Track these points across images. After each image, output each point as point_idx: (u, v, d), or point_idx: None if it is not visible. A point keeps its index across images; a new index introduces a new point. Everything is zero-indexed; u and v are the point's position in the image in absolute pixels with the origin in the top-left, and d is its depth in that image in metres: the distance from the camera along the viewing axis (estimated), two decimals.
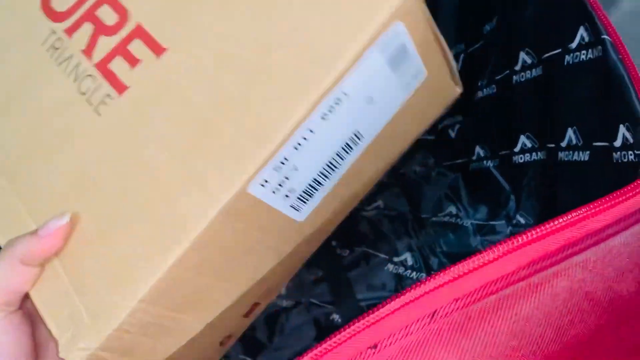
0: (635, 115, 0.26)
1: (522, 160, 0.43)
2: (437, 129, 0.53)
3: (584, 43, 0.32)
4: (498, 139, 0.46)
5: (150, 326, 0.27)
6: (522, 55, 0.40)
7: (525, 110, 0.41)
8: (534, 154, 0.41)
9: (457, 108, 0.52)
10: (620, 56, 0.28)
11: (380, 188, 0.54)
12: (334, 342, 0.22)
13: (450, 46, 0.51)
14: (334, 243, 0.51)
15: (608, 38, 0.29)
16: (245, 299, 0.34)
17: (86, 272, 0.27)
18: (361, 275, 0.49)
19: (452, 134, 0.52)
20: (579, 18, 0.31)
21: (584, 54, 0.32)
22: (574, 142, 0.34)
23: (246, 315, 0.38)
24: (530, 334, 0.23)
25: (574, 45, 0.33)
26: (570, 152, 0.35)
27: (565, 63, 0.34)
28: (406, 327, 0.22)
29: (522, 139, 0.42)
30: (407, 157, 0.56)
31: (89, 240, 0.28)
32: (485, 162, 0.47)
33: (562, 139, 0.35)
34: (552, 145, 0.37)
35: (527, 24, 0.39)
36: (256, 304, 0.38)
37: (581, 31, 0.32)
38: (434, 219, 0.51)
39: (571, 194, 0.35)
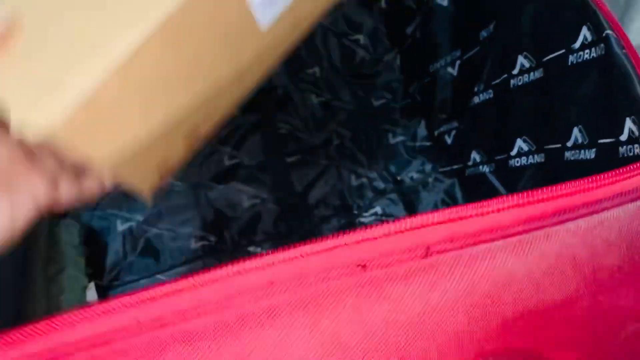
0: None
1: (518, 164, 0.43)
2: (433, 135, 0.54)
3: (587, 42, 0.32)
4: (494, 144, 0.46)
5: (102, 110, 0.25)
6: (521, 59, 0.41)
7: (523, 113, 0.41)
8: (530, 157, 0.41)
9: (453, 114, 0.53)
10: (625, 50, 0.29)
11: (377, 194, 0.54)
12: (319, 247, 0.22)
13: (446, 53, 0.52)
14: None
15: (611, 33, 0.29)
16: (189, 112, 0.31)
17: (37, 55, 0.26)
18: None
19: (449, 140, 0.53)
20: (582, 18, 0.32)
21: (587, 53, 0.32)
22: (580, 140, 0.35)
23: (187, 139, 0.34)
24: (511, 286, 0.23)
25: (577, 45, 0.33)
26: (577, 151, 0.36)
27: (570, 63, 0.35)
28: (400, 252, 0.22)
29: (519, 142, 0.43)
30: (405, 164, 0.56)
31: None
32: (481, 167, 0.48)
33: (569, 139, 0.36)
34: (558, 146, 0.38)
35: (525, 28, 0.39)
36: (197, 130, 0.34)
37: (584, 31, 0.33)
38: None
39: None
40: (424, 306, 0.24)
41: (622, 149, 0.29)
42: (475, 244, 0.24)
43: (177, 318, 0.22)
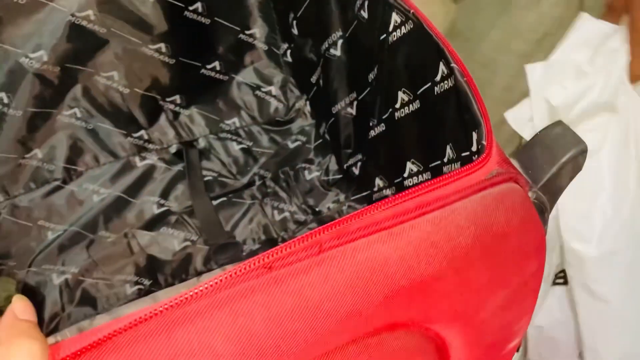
0: (478, 121, 0.34)
1: (411, 183, 0.50)
2: (343, 169, 0.60)
3: (444, 74, 0.40)
4: (391, 169, 0.53)
5: None
6: (400, 95, 0.48)
7: (409, 139, 0.48)
8: (420, 175, 0.48)
9: (357, 148, 0.59)
10: (465, 78, 0.36)
11: (299, 225, 0.59)
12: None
13: (345, 95, 0.59)
14: None
15: (455, 66, 0.37)
16: None
17: None
18: None
19: (356, 171, 0.59)
20: (437, 56, 0.40)
21: (446, 83, 0.40)
22: (452, 156, 0.42)
23: None
24: (386, 269, 0.29)
25: (438, 78, 0.41)
26: (450, 165, 0.43)
27: (436, 93, 0.42)
28: (299, 251, 0.27)
29: (409, 165, 0.50)
30: (321, 197, 0.62)
31: None
32: (384, 191, 0.54)
33: (444, 156, 0.43)
34: (437, 163, 0.45)
35: (400, 68, 0.47)
36: None
37: (441, 66, 0.40)
38: None
39: None
40: (321, 295, 0.29)
41: (474, 157, 0.36)
42: (355, 239, 0.29)
43: None
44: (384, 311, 0.30)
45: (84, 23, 0.57)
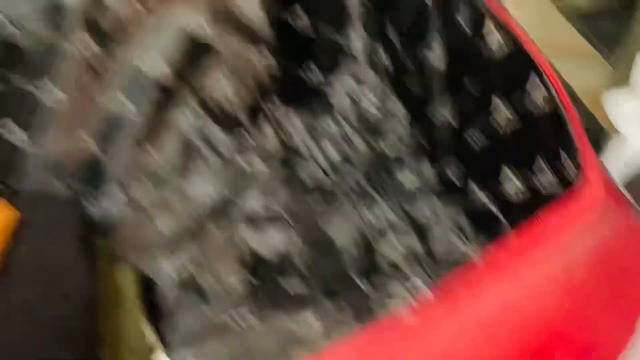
0: (575, 146, 0.34)
1: (509, 191, 0.50)
2: (438, 173, 0.61)
3: (544, 97, 0.40)
4: (487, 176, 0.53)
5: None
6: (498, 104, 0.48)
7: (506, 149, 0.49)
8: (516, 183, 0.48)
9: (452, 153, 0.60)
10: (562, 102, 0.37)
11: (392, 227, 0.61)
12: None
13: (441, 101, 0.60)
14: (357, 281, 0.57)
15: (553, 90, 0.37)
16: None
17: None
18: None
19: (452, 177, 0.60)
20: (537, 76, 0.40)
21: (544, 105, 0.40)
22: (549, 173, 0.42)
23: None
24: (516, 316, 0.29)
25: (537, 98, 0.41)
26: (546, 181, 0.43)
27: (534, 112, 0.42)
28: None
29: (506, 171, 0.50)
30: (416, 201, 0.63)
31: None
32: (480, 196, 0.55)
33: (541, 171, 0.43)
34: (535, 176, 0.45)
35: (499, 79, 0.47)
36: None
37: (540, 86, 0.40)
38: (445, 255, 0.58)
39: None
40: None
41: (573, 179, 0.36)
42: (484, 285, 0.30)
43: None
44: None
45: (197, 32, 0.61)
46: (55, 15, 0.55)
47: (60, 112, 0.59)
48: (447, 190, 0.61)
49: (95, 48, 0.57)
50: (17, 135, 0.58)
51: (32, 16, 0.54)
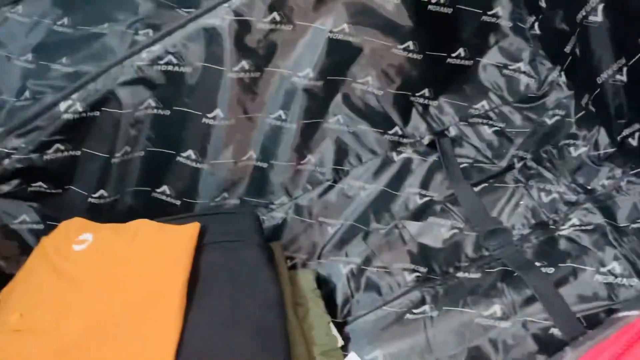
0: None
1: None
2: (617, 141, 0.56)
3: None
4: None
5: None
6: None
7: None
8: None
9: (632, 117, 0.54)
10: None
11: (572, 207, 0.56)
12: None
13: (611, 62, 0.54)
14: (538, 264, 0.54)
15: None
16: None
17: None
18: (571, 290, 0.51)
19: (634, 142, 0.54)
20: None
21: None
22: None
23: None
24: None
25: None
26: None
27: None
28: None
29: None
30: (592, 174, 0.58)
31: None
32: None
33: None
34: None
35: None
36: None
37: None
38: (633, 225, 0.52)
39: None
40: None
41: None
42: None
43: None
44: None
45: (340, 37, 0.62)
46: (212, 44, 0.59)
47: (227, 134, 0.64)
48: (632, 158, 0.55)
49: (249, 68, 0.61)
50: (196, 160, 0.64)
51: (195, 49, 0.59)
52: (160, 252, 0.52)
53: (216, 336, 0.47)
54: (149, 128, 0.61)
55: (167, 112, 0.61)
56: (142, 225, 0.55)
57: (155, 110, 0.60)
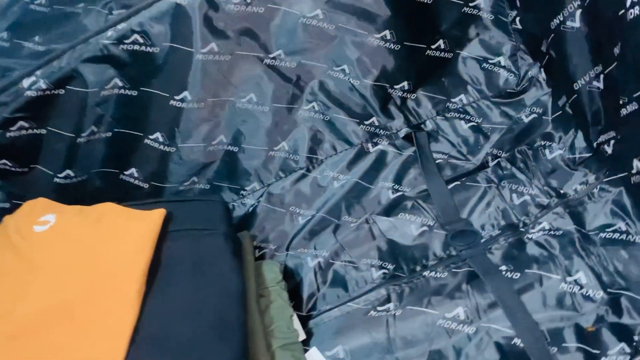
0: None
1: None
2: (592, 146, 0.55)
3: None
4: None
5: None
6: None
7: None
8: None
9: (608, 124, 0.53)
10: None
11: (543, 210, 0.56)
12: None
13: (588, 69, 0.53)
14: (504, 267, 0.53)
15: None
16: None
17: None
18: (536, 296, 0.51)
19: (609, 150, 0.53)
20: None
21: None
22: None
23: None
24: None
25: None
26: None
27: None
28: None
29: None
30: (566, 177, 0.57)
31: None
32: None
33: None
34: None
35: None
36: None
37: None
38: (602, 234, 0.52)
39: None
40: None
41: None
42: None
43: None
44: None
45: (314, 22, 0.60)
46: (180, 24, 0.57)
47: (196, 117, 0.62)
48: (606, 165, 0.54)
49: (219, 50, 0.59)
50: (163, 143, 0.62)
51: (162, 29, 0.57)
52: (123, 237, 0.51)
53: (173, 324, 0.46)
54: (116, 108, 0.59)
55: (134, 93, 0.59)
56: (107, 209, 0.54)
57: (121, 91, 0.58)
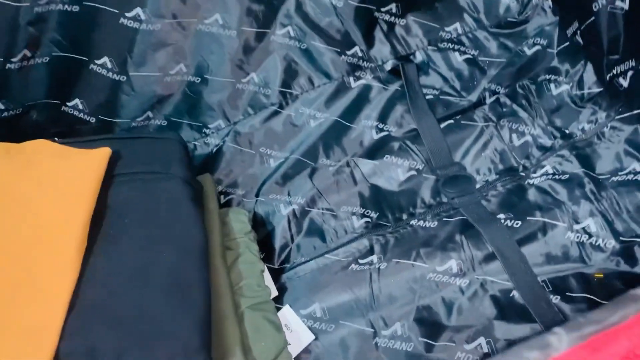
0: None
1: None
2: (605, 80, 0.48)
3: None
4: None
5: None
6: None
7: None
8: None
9: (627, 52, 0.47)
10: None
11: (545, 152, 0.50)
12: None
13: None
14: (502, 216, 0.48)
15: None
16: None
17: None
18: (539, 248, 0.45)
19: (624, 83, 0.47)
20: None
21: None
22: None
23: None
24: None
25: None
26: None
27: None
28: None
29: None
30: (572, 116, 0.51)
31: None
32: None
33: None
34: None
35: None
36: None
37: None
38: (614, 178, 0.46)
39: None
40: None
41: None
42: None
43: None
44: None
45: None
46: None
47: (152, 41, 0.53)
48: (619, 101, 0.48)
49: None
50: (112, 70, 0.53)
51: None
52: (59, 181, 0.42)
53: (121, 286, 0.39)
54: (54, 28, 0.49)
55: (76, 8, 0.49)
56: (40, 147, 0.45)
57: (60, 6, 0.49)
